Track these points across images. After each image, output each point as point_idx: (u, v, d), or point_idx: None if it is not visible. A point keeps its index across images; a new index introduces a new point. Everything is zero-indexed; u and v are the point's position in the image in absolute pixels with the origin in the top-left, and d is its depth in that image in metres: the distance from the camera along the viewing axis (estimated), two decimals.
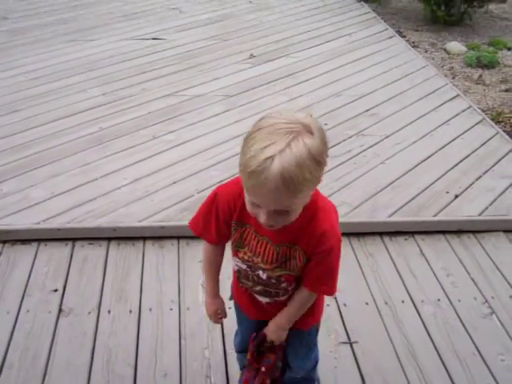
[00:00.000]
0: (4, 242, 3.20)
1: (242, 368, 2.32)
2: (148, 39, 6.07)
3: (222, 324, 2.71)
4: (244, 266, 1.81)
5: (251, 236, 1.74)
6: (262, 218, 1.55)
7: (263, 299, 1.89)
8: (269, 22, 6.70)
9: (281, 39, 6.16)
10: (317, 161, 1.44)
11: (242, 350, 2.26)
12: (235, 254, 1.82)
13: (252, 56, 5.67)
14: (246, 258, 1.78)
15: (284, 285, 1.80)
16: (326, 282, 1.78)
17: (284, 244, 1.70)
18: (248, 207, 1.59)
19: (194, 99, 4.80)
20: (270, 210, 1.52)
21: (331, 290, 1.82)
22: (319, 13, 7.08)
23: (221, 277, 2.93)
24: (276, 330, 1.92)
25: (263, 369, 1.99)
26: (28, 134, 4.20)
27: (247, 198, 1.56)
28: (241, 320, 2.16)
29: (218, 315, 2.06)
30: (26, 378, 2.45)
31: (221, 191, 1.77)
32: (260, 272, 1.78)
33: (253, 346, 1.99)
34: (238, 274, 1.88)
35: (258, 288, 1.85)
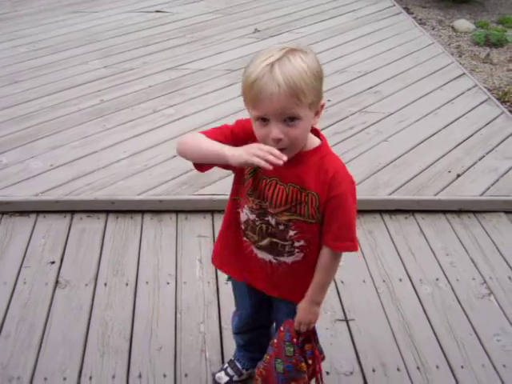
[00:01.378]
0: (2, 213, 3.20)
1: (239, 346, 2.31)
2: (151, 12, 6.01)
3: (218, 299, 2.71)
4: (253, 216, 1.79)
5: (260, 181, 1.73)
6: (273, 132, 1.55)
7: (267, 257, 1.84)
8: None
9: (285, 14, 6.09)
10: (314, 72, 1.54)
11: (239, 332, 2.25)
12: (246, 202, 1.79)
13: (256, 31, 5.61)
14: (254, 206, 1.76)
15: (292, 233, 1.75)
16: (346, 235, 1.73)
17: (293, 184, 1.69)
18: (257, 132, 1.61)
19: (196, 73, 4.76)
20: (278, 121, 1.54)
21: (354, 244, 1.75)
22: None
23: None
24: (309, 306, 1.85)
25: (310, 361, 1.93)
26: (29, 106, 4.18)
27: (255, 116, 1.58)
28: (240, 298, 2.13)
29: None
30: (21, 348, 2.45)
31: (246, 122, 1.71)
32: (269, 218, 1.75)
33: (292, 342, 1.89)
34: (245, 226, 1.83)
35: (264, 242, 1.80)
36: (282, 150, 1.57)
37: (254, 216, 1.78)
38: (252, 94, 1.53)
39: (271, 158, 1.49)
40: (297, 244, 1.79)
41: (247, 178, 1.76)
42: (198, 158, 1.73)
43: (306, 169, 1.68)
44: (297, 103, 1.52)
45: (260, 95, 1.52)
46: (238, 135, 1.72)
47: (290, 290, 1.90)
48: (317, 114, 1.64)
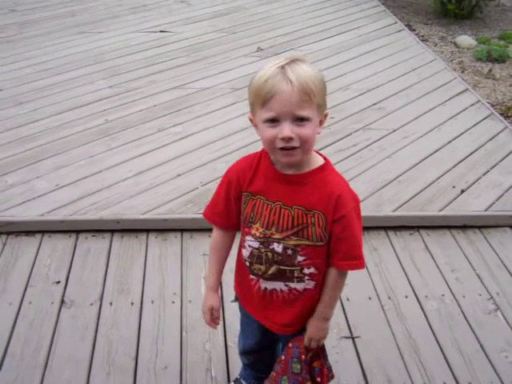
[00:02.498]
0: (8, 233, 3.21)
1: (245, 365, 2.30)
2: (156, 32, 6.06)
3: (223, 317, 2.70)
4: (256, 244, 1.77)
5: (263, 207, 1.74)
6: (284, 130, 1.58)
7: (277, 286, 1.82)
8: (277, 15, 6.67)
9: (289, 32, 6.13)
10: (319, 78, 1.61)
11: (244, 352, 2.24)
12: (248, 231, 1.79)
13: (259, 49, 5.65)
14: (257, 234, 1.76)
15: (301, 259, 1.74)
16: (355, 253, 1.75)
17: (298, 206, 1.69)
18: (265, 134, 1.62)
19: (201, 92, 4.79)
20: (288, 120, 1.58)
21: (362, 262, 1.76)
22: (328, 6, 7.04)
23: (224, 269, 2.95)
24: (319, 323, 1.86)
25: (319, 379, 1.92)
26: (34, 126, 4.21)
27: (264, 119, 1.60)
28: (246, 323, 2.11)
29: (213, 313, 1.97)
30: (27, 368, 2.45)
31: (231, 168, 1.84)
32: (275, 245, 1.74)
33: (300, 359, 1.89)
34: (250, 260, 1.82)
35: (272, 270, 1.78)
36: (293, 149, 1.61)
37: (258, 244, 1.77)
38: (264, 92, 1.57)
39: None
40: (307, 271, 1.77)
41: (244, 207, 1.78)
42: None
43: (309, 190, 1.70)
44: (307, 101, 1.57)
45: (272, 92, 1.56)
46: (230, 193, 1.81)
47: (297, 322, 1.88)
48: (321, 123, 1.66)
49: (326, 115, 1.68)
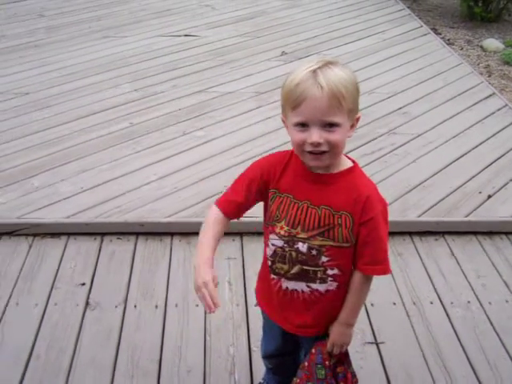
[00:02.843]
0: (34, 235, 3.24)
1: (268, 369, 2.29)
2: (180, 36, 6.09)
3: (247, 321, 2.70)
4: (281, 243, 1.76)
5: (291, 205, 1.73)
6: (313, 136, 1.58)
7: (299, 286, 1.81)
8: (301, 19, 6.65)
9: (312, 37, 6.12)
10: (352, 82, 1.59)
11: (267, 356, 2.23)
12: (272, 230, 1.77)
13: (284, 53, 5.65)
14: (282, 232, 1.75)
15: (325, 260, 1.73)
16: (379, 258, 1.73)
17: (325, 206, 1.69)
18: (295, 137, 1.62)
19: (224, 96, 4.79)
20: (317, 126, 1.57)
21: (386, 267, 1.75)
22: (352, 10, 7.02)
23: (248, 273, 2.95)
24: (342, 328, 1.84)
25: None
26: (60, 129, 4.24)
27: (294, 122, 1.61)
28: (268, 327, 2.11)
29: (214, 284, 1.71)
30: (52, 370, 2.47)
31: (260, 161, 1.83)
32: (300, 244, 1.73)
33: (323, 365, 1.88)
34: (273, 259, 1.81)
35: (295, 269, 1.77)
36: (322, 153, 1.61)
37: (283, 243, 1.76)
38: (295, 96, 1.57)
39: (206, 302, 1.65)
40: (330, 272, 1.76)
41: (270, 204, 1.77)
42: None
43: (338, 190, 1.69)
44: (338, 107, 1.56)
45: (303, 97, 1.56)
46: (254, 184, 1.77)
47: (316, 323, 1.87)
48: (352, 126, 1.66)
49: (357, 118, 1.67)
